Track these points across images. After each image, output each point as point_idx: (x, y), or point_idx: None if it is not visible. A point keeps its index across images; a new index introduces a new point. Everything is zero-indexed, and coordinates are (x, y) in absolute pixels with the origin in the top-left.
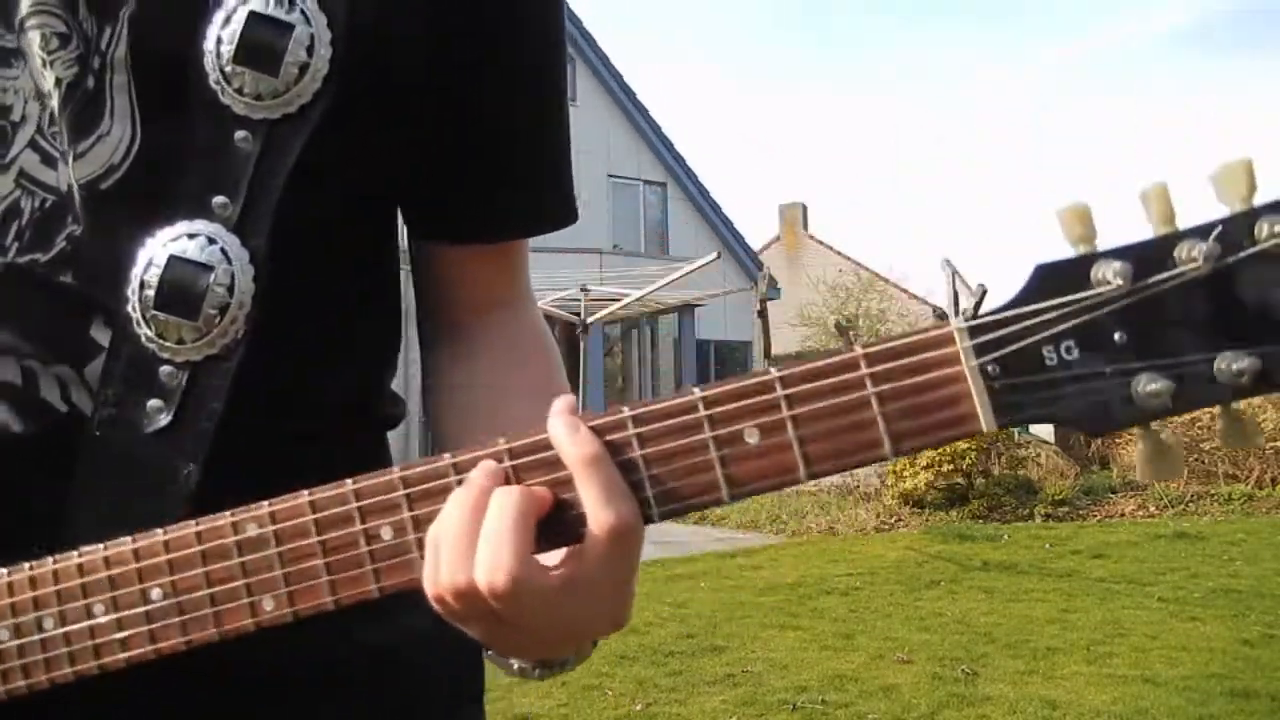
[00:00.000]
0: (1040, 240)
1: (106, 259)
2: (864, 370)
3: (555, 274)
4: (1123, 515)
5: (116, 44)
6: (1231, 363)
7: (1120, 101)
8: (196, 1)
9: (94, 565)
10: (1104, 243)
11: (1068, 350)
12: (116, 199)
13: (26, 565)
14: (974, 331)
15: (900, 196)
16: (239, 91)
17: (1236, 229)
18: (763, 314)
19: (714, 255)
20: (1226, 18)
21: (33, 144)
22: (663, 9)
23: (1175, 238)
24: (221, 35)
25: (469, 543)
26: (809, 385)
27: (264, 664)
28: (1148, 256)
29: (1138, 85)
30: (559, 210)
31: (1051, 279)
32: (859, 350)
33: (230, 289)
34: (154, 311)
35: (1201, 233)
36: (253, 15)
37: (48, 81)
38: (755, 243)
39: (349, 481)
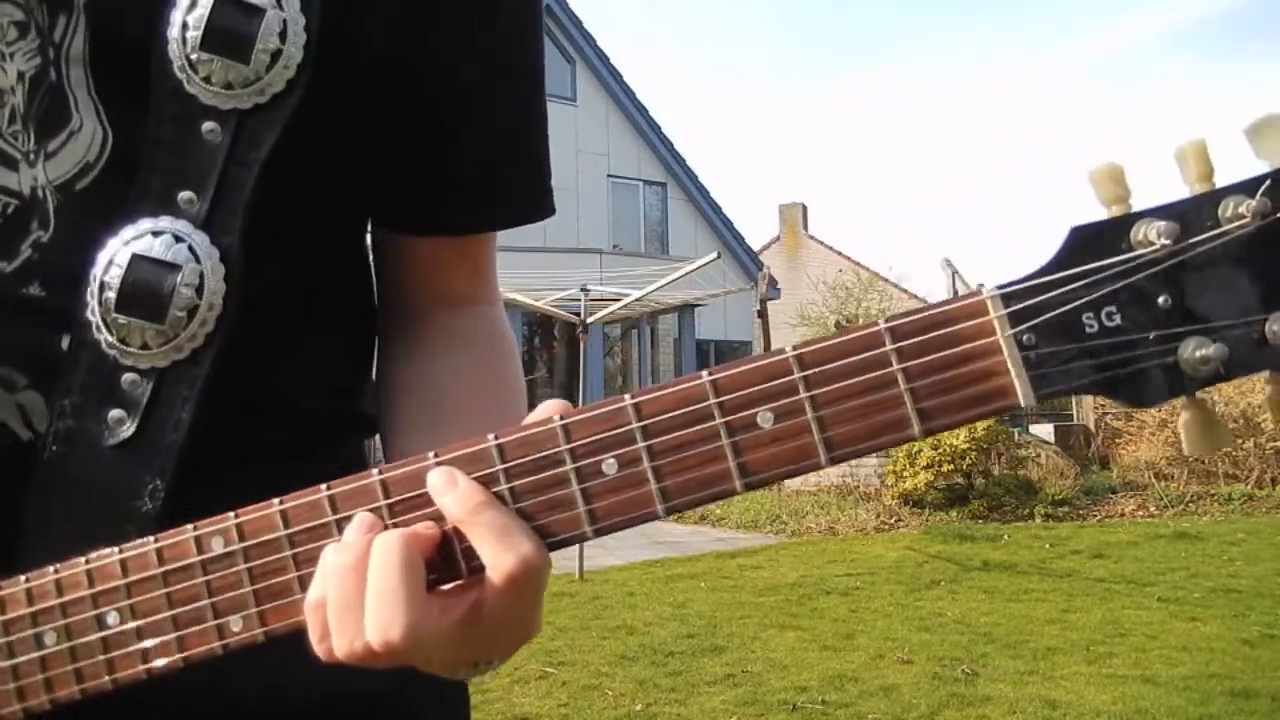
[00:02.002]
0: (1040, 240)
1: (73, 263)
2: (889, 345)
3: (555, 274)
4: (1123, 515)
5: (73, 35)
6: (1218, 339)
7: (1123, 101)
8: None
9: (44, 591)
10: (1139, 203)
11: (1109, 316)
12: (92, 199)
13: None
14: (1007, 300)
15: (900, 196)
16: (206, 80)
17: (1237, 205)
18: (763, 314)
19: (714, 255)
20: (1229, 18)
21: None
22: (663, 9)
23: (1219, 194)
24: (187, 20)
25: (356, 608)
26: (829, 365)
27: (239, 700)
28: (1191, 215)
29: (1140, 85)
30: (527, 206)
31: (1088, 242)
32: (882, 324)
33: (199, 289)
34: (115, 314)
35: (1247, 188)
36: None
37: (9, 76)
38: (755, 243)
39: (323, 487)
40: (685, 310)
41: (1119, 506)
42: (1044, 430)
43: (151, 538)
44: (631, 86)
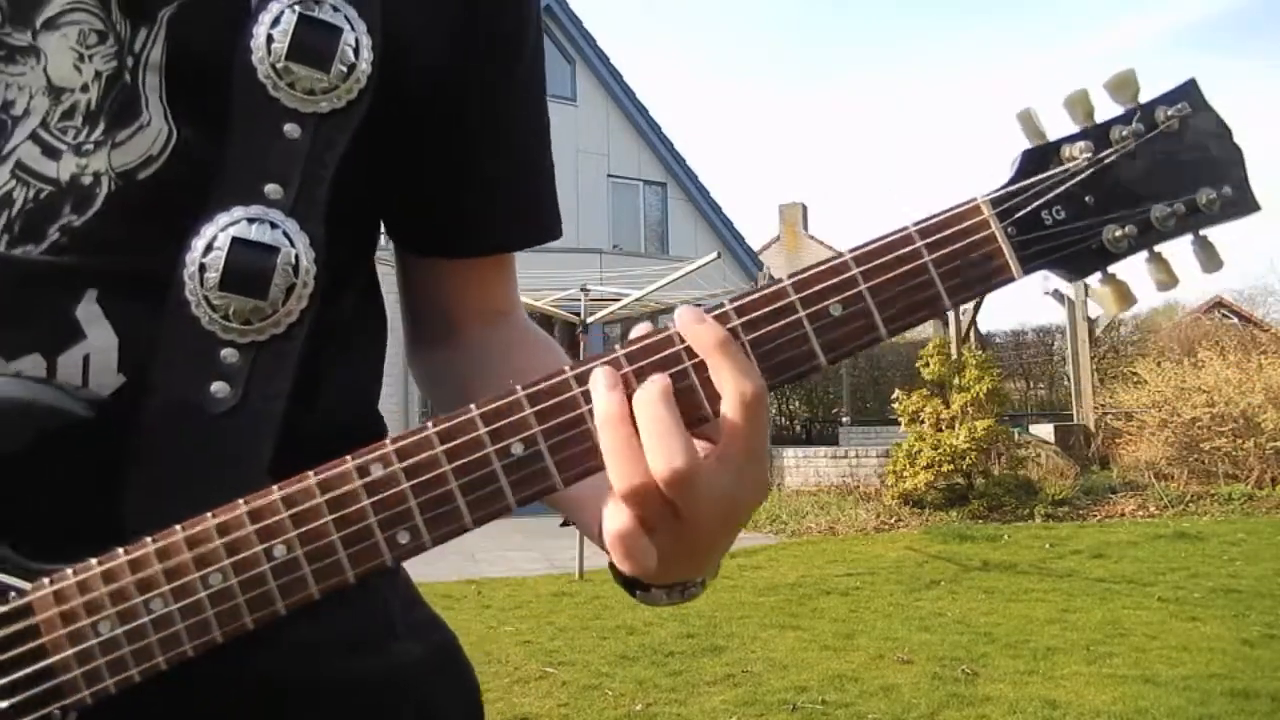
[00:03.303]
0: None
1: (134, 246)
2: (919, 243)
3: (555, 274)
4: (1123, 515)
5: (152, 45)
6: (1161, 212)
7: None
8: (239, 5)
9: (206, 534)
10: (1053, 134)
11: (1057, 212)
12: (152, 188)
13: (120, 550)
14: (995, 203)
15: (900, 196)
16: (290, 86)
17: (1146, 115)
18: None
19: (714, 255)
20: (1229, 18)
21: (34, 137)
22: (663, 9)
23: (1108, 124)
24: (272, 34)
25: (636, 448)
26: (877, 261)
27: (260, 677)
28: (1097, 137)
29: (1140, 85)
30: (550, 222)
31: (1036, 159)
32: (911, 227)
33: (295, 269)
34: (219, 293)
35: (1125, 119)
36: (303, 17)
37: (84, 75)
38: (755, 243)
39: (472, 407)
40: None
41: (1119, 506)
42: (1044, 430)
43: (310, 472)
44: (631, 86)
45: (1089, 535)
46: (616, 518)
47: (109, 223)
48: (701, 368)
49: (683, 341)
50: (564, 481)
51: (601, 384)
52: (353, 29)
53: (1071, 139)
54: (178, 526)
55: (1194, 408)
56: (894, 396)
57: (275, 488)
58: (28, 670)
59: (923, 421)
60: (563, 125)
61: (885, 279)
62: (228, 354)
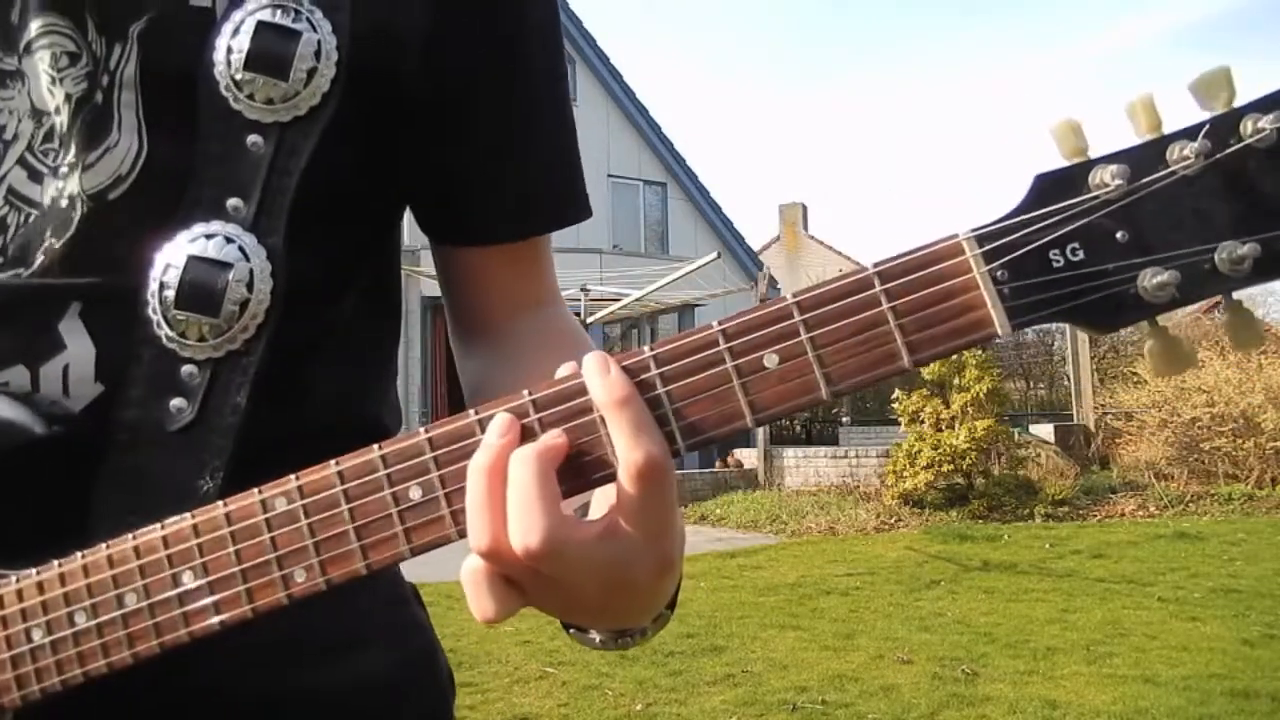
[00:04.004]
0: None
1: (109, 265)
2: (878, 288)
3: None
4: (1123, 515)
5: (126, 62)
6: (1231, 252)
7: (1123, 101)
8: (205, 16)
9: (123, 555)
10: (1096, 153)
11: (1073, 252)
12: (124, 207)
13: (55, 563)
14: (981, 240)
15: (900, 196)
16: (250, 97)
17: (1223, 127)
18: None
19: (714, 255)
20: (1230, 18)
21: (21, 161)
22: (663, 9)
23: (1166, 140)
24: (231, 45)
25: (497, 509)
26: (825, 308)
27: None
28: (1142, 158)
29: (1140, 85)
30: (578, 203)
31: (1051, 187)
32: (871, 269)
33: (249, 285)
34: (175, 311)
35: (1190, 133)
36: (261, 24)
37: (56, 98)
38: (755, 243)
39: (376, 447)
40: (685, 310)
41: (1119, 506)
42: (1044, 430)
43: (220, 502)
44: (631, 86)
45: (1089, 535)
46: (473, 561)
47: (85, 245)
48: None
49: None
50: (459, 533)
51: (491, 432)
52: (315, 31)
53: (1109, 159)
54: (104, 545)
55: (1194, 408)
56: (894, 396)
57: (189, 514)
58: None
59: (923, 421)
60: None
61: (832, 328)
62: (188, 371)
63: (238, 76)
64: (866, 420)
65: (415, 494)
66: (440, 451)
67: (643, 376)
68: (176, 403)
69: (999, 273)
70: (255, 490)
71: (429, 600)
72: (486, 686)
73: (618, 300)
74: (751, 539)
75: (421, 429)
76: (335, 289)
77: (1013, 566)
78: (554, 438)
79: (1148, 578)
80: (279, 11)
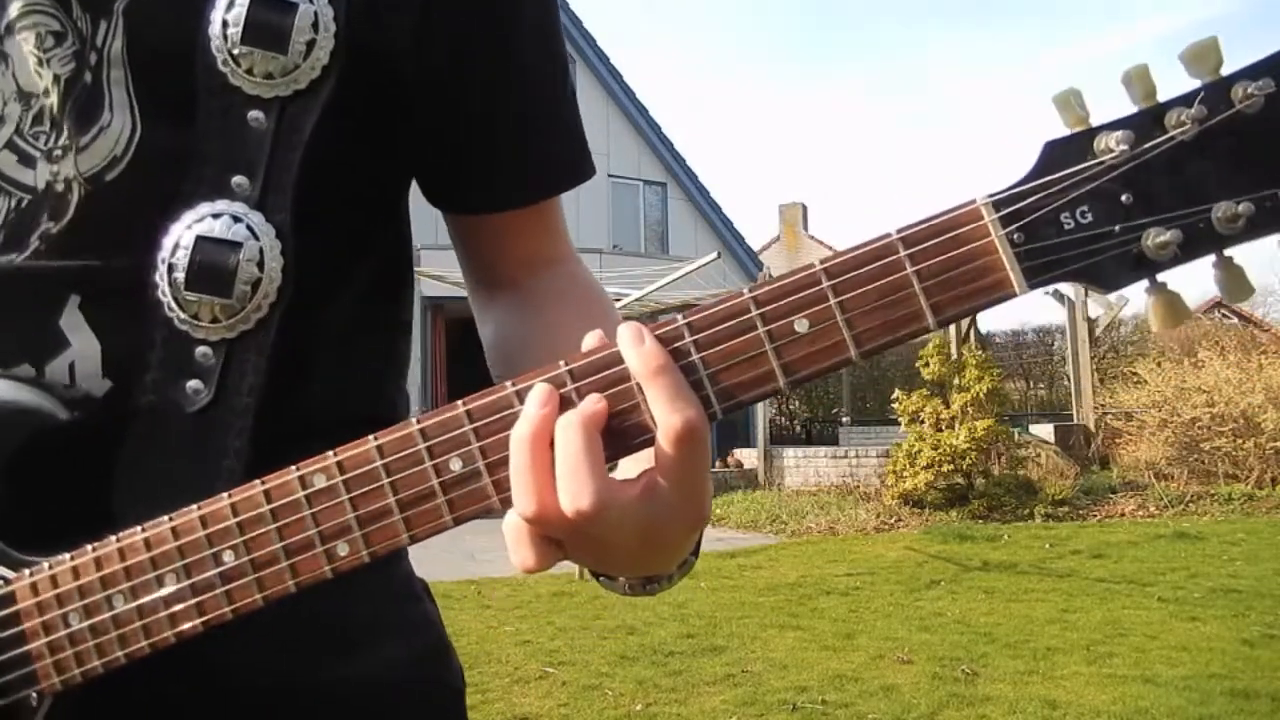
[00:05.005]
0: None
1: (110, 248)
2: (902, 253)
3: None
4: (1123, 515)
5: (112, 38)
6: (1227, 211)
7: (1125, 100)
8: None
9: (161, 537)
10: (1097, 120)
11: (1082, 215)
12: (122, 189)
13: (89, 547)
14: (998, 205)
15: (900, 196)
16: (249, 72)
17: (1216, 94)
18: None
19: (714, 255)
20: (1230, 18)
21: (10, 144)
22: (663, 9)
23: (1163, 107)
24: (227, 19)
25: (543, 475)
26: (852, 274)
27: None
28: (1142, 124)
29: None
30: (583, 162)
31: (1060, 153)
32: (894, 234)
33: (260, 264)
34: (185, 293)
35: (1186, 100)
36: None
37: (44, 79)
38: (755, 243)
39: (414, 421)
40: (685, 310)
41: (1119, 506)
42: (1044, 430)
43: (257, 481)
44: (631, 86)
45: (1089, 535)
46: (515, 518)
47: (83, 229)
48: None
49: None
50: (502, 502)
51: (531, 402)
52: (311, 3)
53: (1112, 126)
54: (139, 527)
55: (1194, 408)
56: (894, 396)
57: (225, 495)
58: (9, 654)
59: (923, 421)
60: None
61: (859, 293)
62: (202, 352)
63: (235, 51)
64: (866, 420)
65: (456, 465)
66: (479, 423)
67: (676, 344)
68: (193, 385)
69: (1015, 235)
70: (292, 467)
71: None
72: (486, 686)
73: (618, 300)
74: (751, 539)
75: (459, 402)
76: (344, 269)
77: (1013, 566)
78: (595, 403)
79: (1148, 578)
80: None
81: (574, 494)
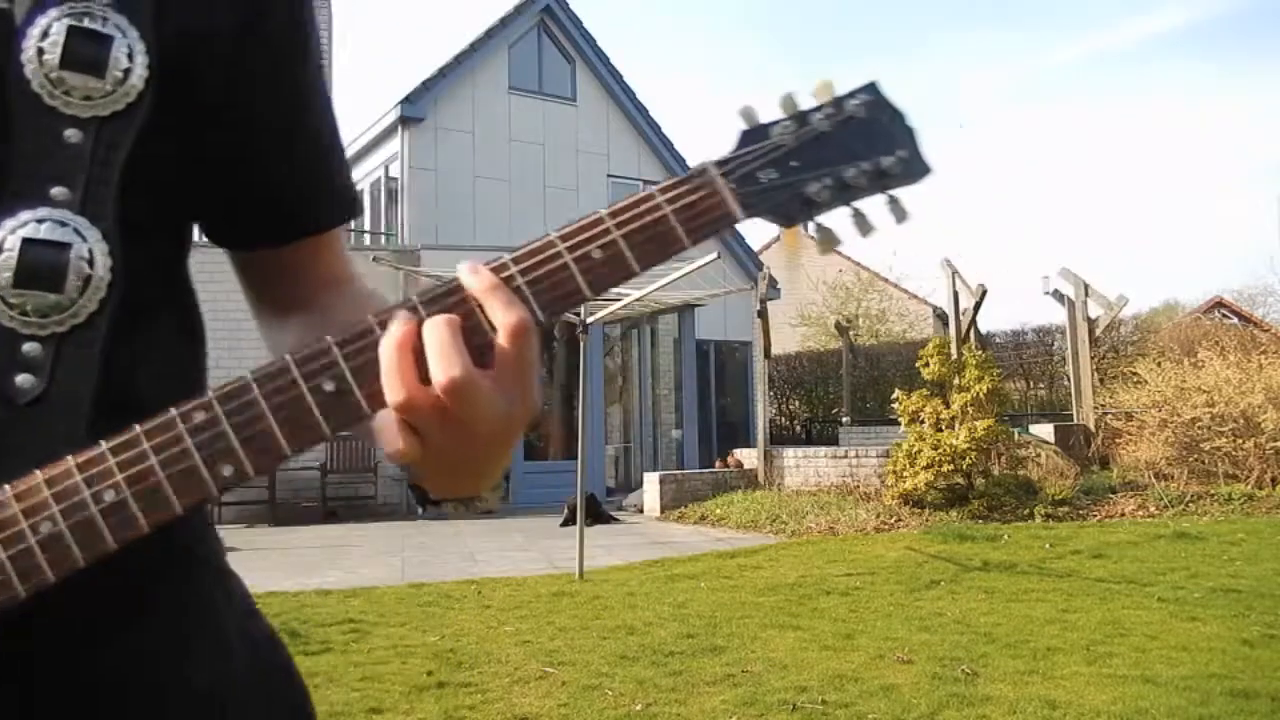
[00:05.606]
0: (1038, 238)
1: None
2: (660, 198)
3: None
4: (1123, 515)
5: None
6: (851, 172)
7: (1120, 102)
8: (3, 18)
9: (34, 488)
10: (780, 115)
11: (769, 174)
12: None
13: None
14: (719, 164)
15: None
16: (67, 94)
17: (839, 105)
18: (763, 314)
19: (714, 255)
20: (1230, 19)
21: None
22: (663, 9)
23: (809, 112)
24: (43, 46)
25: (412, 369)
26: (628, 213)
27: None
28: (801, 120)
29: (1141, 85)
30: (351, 204)
31: (754, 136)
32: (655, 189)
33: (90, 261)
34: (15, 291)
35: (819, 110)
36: (73, 28)
37: None
38: (755, 243)
39: (286, 356)
40: (685, 310)
41: (1119, 506)
42: (1044, 430)
43: (135, 424)
44: (631, 86)
45: (1089, 535)
46: (384, 414)
47: None
48: (483, 309)
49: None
50: (370, 409)
51: (395, 321)
52: (124, 36)
53: (780, 122)
54: (6, 485)
55: (1194, 408)
56: (894, 396)
57: (101, 443)
58: None
59: (923, 421)
60: (563, 125)
61: (635, 227)
62: (30, 348)
63: (52, 75)
64: (866, 420)
65: (329, 386)
66: (347, 350)
67: (504, 274)
68: (22, 378)
69: (732, 184)
70: (171, 409)
71: (429, 600)
72: (486, 686)
73: (618, 300)
74: (751, 539)
75: (328, 336)
76: (171, 268)
77: (1013, 566)
78: (451, 311)
79: (1148, 578)
80: (85, 19)
81: (445, 367)
